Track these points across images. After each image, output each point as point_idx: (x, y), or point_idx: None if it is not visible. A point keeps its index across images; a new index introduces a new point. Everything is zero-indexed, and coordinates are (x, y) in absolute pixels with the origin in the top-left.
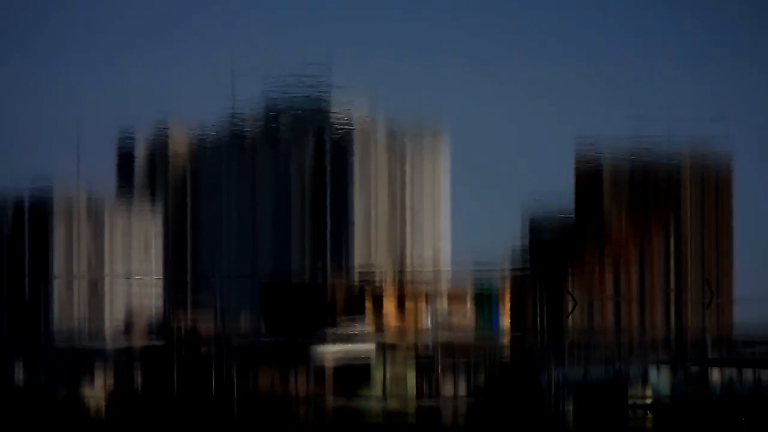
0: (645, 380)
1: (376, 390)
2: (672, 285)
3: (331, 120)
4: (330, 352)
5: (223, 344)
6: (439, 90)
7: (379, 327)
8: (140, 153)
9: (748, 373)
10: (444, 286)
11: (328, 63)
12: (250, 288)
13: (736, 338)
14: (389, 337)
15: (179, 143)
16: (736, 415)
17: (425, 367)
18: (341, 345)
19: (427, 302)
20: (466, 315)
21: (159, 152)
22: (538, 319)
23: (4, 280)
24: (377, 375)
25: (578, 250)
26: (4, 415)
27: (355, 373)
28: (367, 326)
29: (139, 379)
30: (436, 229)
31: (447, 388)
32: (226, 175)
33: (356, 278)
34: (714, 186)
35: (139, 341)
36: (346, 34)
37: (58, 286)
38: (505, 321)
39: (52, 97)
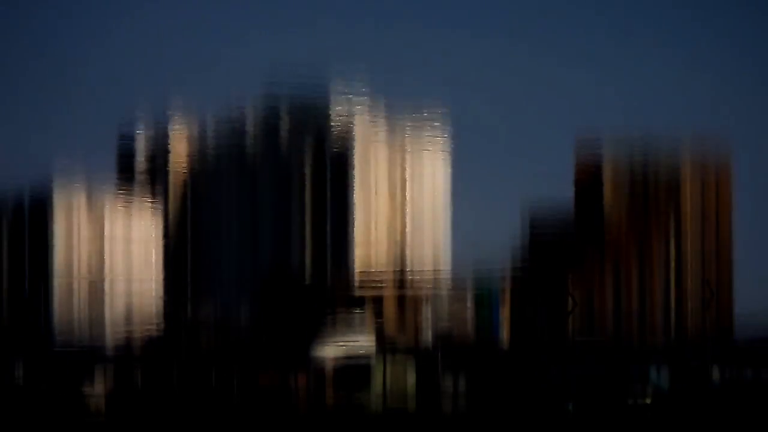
0: (645, 380)
1: (376, 388)
2: (672, 285)
3: (332, 119)
4: (330, 351)
5: (223, 343)
6: (440, 90)
7: (379, 326)
8: (140, 152)
9: (748, 372)
10: (444, 286)
11: (328, 62)
12: (250, 288)
13: (735, 337)
14: (389, 337)
15: (179, 142)
16: (735, 413)
17: (425, 366)
18: (341, 344)
19: (426, 302)
20: (466, 314)
21: (159, 151)
22: (538, 319)
23: (4, 279)
24: (377, 374)
25: (578, 249)
26: (4, 415)
27: (355, 372)
28: (367, 326)
29: (138, 378)
30: (436, 229)
31: (447, 387)
32: (226, 174)
33: (356, 278)
34: (714, 186)
35: (138, 340)
36: (346, 33)
37: (58, 286)
38: (505, 320)
39: (53, 97)
